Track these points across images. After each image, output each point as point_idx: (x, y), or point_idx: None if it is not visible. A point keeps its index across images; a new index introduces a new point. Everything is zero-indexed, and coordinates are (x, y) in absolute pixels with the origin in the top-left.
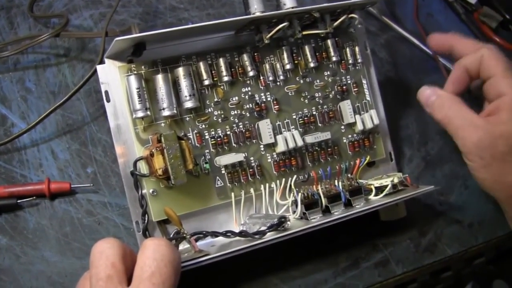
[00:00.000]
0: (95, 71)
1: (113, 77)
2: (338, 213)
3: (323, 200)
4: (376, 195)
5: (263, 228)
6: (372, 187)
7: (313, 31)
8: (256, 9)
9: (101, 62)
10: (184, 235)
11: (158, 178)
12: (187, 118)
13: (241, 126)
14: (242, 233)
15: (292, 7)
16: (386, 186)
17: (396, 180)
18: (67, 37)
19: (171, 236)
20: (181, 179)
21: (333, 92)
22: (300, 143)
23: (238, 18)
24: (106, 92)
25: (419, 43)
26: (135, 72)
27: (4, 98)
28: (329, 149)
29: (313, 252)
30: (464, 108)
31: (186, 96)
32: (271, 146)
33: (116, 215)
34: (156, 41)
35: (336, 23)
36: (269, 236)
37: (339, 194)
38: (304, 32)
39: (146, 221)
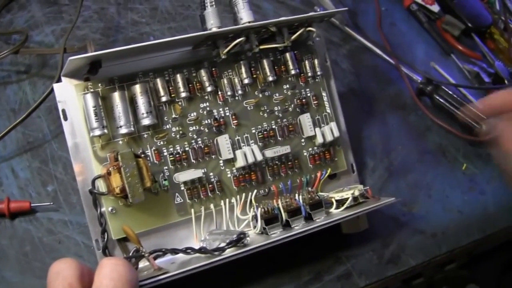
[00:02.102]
0: (52, 89)
1: (70, 95)
2: (299, 227)
3: (283, 215)
4: (337, 208)
5: (222, 244)
6: (333, 200)
7: (270, 45)
8: (213, 25)
9: (59, 80)
10: (143, 253)
11: (116, 197)
12: (145, 135)
13: (199, 142)
14: (201, 250)
15: (249, 22)
16: (347, 199)
17: (356, 193)
18: (27, 53)
19: (130, 254)
20: (139, 197)
21: (292, 106)
22: (259, 157)
23: (194, 34)
24: (63, 110)
25: (382, 53)
26: (91, 90)
27: None
28: (289, 163)
29: (275, 266)
30: None
31: (143, 114)
32: (231, 161)
33: (77, 233)
34: (112, 58)
35: (293, 37)
36: (229, 252)
37: (300, 208)
38: (262, 47)
39: (105, 239)
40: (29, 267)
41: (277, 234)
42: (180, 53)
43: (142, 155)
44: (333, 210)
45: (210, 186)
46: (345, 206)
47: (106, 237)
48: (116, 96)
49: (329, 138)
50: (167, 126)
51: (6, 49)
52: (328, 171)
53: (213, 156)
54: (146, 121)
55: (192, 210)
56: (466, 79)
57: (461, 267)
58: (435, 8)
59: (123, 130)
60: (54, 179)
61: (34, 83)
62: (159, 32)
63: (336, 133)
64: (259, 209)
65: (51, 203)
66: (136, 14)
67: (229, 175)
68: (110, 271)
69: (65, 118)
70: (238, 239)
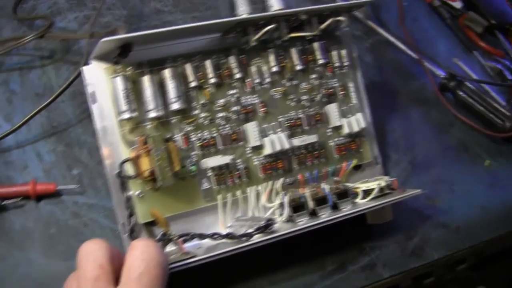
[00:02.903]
0: (80, 73)
1: (98, 78)
2: (325, 216)
3: (310, 203)
4: (363, 198)
5: (250, 230)
6: (359, 190)
7: (300, 34)
8: (243, 11)
9: (86, 64)
10: (171, 237)
11: (144, 180)
12: (174, 120)
13: (227, 129)
14: (229, 235)
15: (279, 9)
16: (373, 189)
17: (383, 184)
18: (51, 39)
19: (158, 237)
20: (168, 181)
21: (319, 95)
22: (286, 145)
23: (225, 20)
24: (93, 93)
25: (404, 47)
26: (121, 74)
27: None
28: (315, 152)
29: (300, 255)
30: None
31: (172, 98)
32: (258, 148)
33: (102, 216)
34: (143, 42)
35: (322, 26)
36: (256, 238)
37: (326, 197)
38: (291, 35)
39: (132, 223)
40: (54, 250)
41: (303, 222)
42: (209, 39)
43: (171, 140)
44: (359, 200)
45: (237, 173)
46: (371, 196)
47: (132, 221)
48: (146, 80)
49: (356, 128)
50: (196, 112)
51: (29, 34)
52: (354, 161)
53: (241, 143)
54: (175, 106)
55: (219, 196)
56: (488, 76)
57: (472, 268)
58: (458, 4)
59: (152, 114)
60: (79, 163)
61: (58, 68)
62: (182, 21)
63: (362, 124)
64: (286, 196)
65: (77, 186)
66: (159, 3)
67: (256, 163)
68: (141, 252)
69: (94, 101)
70: (266, 225)
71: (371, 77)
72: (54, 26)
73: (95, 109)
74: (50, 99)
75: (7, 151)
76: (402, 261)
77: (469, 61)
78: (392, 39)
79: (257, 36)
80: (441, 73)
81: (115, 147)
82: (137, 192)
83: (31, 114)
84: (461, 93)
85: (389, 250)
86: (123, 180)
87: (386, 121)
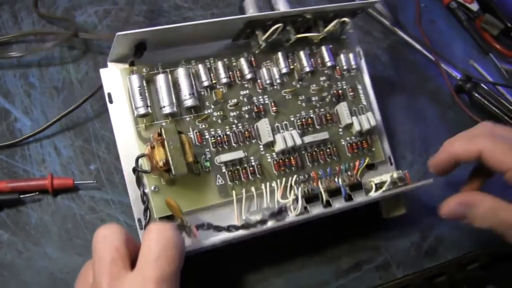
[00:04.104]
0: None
1: (116, 79)
2: (339, 206)
3: (324, 195)
4: (376, 191)
5: (264, 218)
6: (372, 183)
7: (307, 34)
8: (252, 13)
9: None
10: (186, 223)
11: (159, 171)
12: (187, 118)
13: (240, 127)
14: (244, 226)
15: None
16: (385, 181)
17: (395, 175)
18: (81, 38)
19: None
20: (182, 170)
21: (329, 96)
22: (298, 141)
23: (233, 17)
24: (109, 94)
25: (421, 48)
26: (136, 73)
27: (8, 92)
28: (328, 150)
29: (315, 253)
30: (506, 208)
31: (185, 96)
32: (270, 145)
33: (119, 212)
34: (157, 41)
35: (328, 28)
36: (270, 224)
37: (339, 188)
38: (298, 36)
39: (148, 217)
40: (70, 244)
41: (317, 212)
42: (221, 45)
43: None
44: (372, 193)
45: (251, 168)
46: (384, 188)
47: (148, 215)
48: (160, 78)
49: (366, 126)
50: (209, 111)
51: (49, 28)
52: (366, 160)
53: (254, 141)
54: (188, 103)
55: (233, 192)
56: (504, 78)
57: (483, 267)
58: (474, 6)
59: (167, 110)
60: (96, 158)
61: (77, 63)
62: (201, 17)
63: (372, 122)
64: (300, 188)
65: (94, 181)
66: None
67: (269, 160)
68: (157, 235)
69: (111, 102)
70: (280, 210)
71: (388, 77)
72: (74, 21)
73: (112, 108)
74: (74, 106)
75: (25, 145)
76: (416, 261)
77: (485, 63)
78: (409, 40)
79: (266, 35)
80: (457, 75)
81: (131, 144)
82: (152, 187)
83: (56, 119)
84: (476, 95)
85: (403, 250)
86: (138, 175)
87: (402, 122)
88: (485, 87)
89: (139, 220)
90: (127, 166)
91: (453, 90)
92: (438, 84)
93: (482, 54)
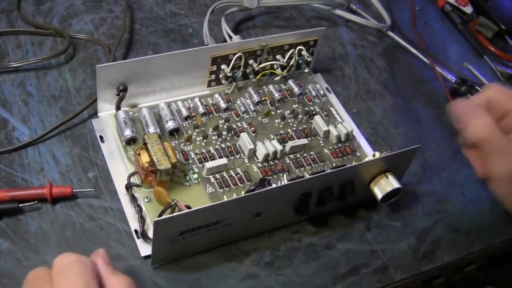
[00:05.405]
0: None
1: (106, 123)
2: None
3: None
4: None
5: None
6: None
7: (269, 71)
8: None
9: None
10: (174, 201)
11: (148, 174)
12: (172, 144)
13: (222, 145)
14: None
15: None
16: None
17: (377, 155)
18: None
19: (165, 207)
20: (166, 165)
21: (305, 117)
22: (279, 147)
23: (196, 48)
24: (101, 136)
25: (417, 51)
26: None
27: (5, 101)
28: (311, 156)
29: (311, 258)
30: (500, 134)
31: (167, 121)
32: (254, 156)
33: (118, 220)
34: (135, 76)
35: (285, 71)
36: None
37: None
38: (258, 76)
39: (144, 228)
40: (70, 252)
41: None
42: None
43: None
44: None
45: (238, 175)
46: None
47: (143, 224)
48: (144, 110)
49: (344, 131)
50: (190, 132)
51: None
52: (353, 162)
53: (238, 156)
54: (170, 124)
55: (225, 197)
56: (499, 80)
57: (481, 269)
58: (469, 9)
59: (151, 131)
60: (94, 165)
61: (74, 71)
62: (197, 24)
63: (350, 128)
64: (285, 175)
65: (93, 189)
66: (175, 6)
67: (255, 170)
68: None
69: (102, 141)
70: (263, 179)
71: (383, 81)
72: (71, 28)
73: (104, 146)
74: (72, 115)
75: (23, 154)
76: (413, 264)
77: (480, 66)
78: (404, 43)
79: (230, 67)
80: (452, 78)
81: (123, 171)
82: (144, 198)
83: (53, 127)
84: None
85: (400, 253)
86: (132, 194)
87: (398, 125)
88: (480, 89)
89: (136, 231)
90: (120, 189)
91: (448, 93)
92: (433, 87)
93: (477, 56)
